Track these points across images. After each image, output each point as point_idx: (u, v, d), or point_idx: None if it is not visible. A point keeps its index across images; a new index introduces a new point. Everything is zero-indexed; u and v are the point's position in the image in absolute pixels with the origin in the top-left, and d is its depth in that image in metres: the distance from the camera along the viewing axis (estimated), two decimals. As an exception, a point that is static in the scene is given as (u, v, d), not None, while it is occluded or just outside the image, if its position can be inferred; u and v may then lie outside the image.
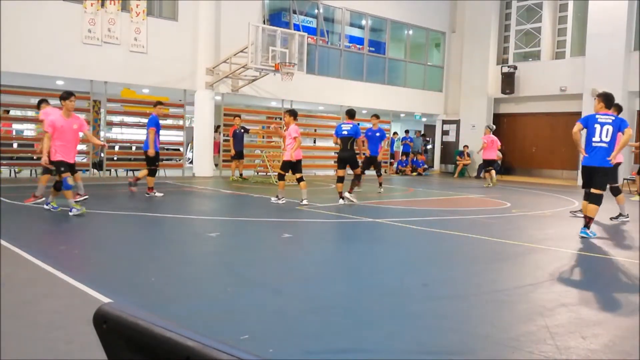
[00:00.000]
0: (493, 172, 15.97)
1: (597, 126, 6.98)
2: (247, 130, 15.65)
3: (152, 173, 10.48)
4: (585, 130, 7.11)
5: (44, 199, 8.30)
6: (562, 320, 3.60)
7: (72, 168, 7.87)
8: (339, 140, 10.16)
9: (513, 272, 5.25)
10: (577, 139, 7.12)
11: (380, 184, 12.62)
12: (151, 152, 10.27)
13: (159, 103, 10.69)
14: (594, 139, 6.95)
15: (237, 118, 14.75)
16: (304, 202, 9.53)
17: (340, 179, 10.16)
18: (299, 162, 9.88)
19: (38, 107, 9.71)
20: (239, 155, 14.79)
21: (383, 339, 3.22)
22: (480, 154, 16.46)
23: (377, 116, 12.49)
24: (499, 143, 16.60)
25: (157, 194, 10.42)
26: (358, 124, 10.67)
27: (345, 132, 9.94)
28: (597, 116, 7.11)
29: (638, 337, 3.37)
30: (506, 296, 4.25)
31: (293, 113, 9.94)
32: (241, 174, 14.97)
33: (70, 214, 7.43)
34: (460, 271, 5.19)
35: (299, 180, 9.89)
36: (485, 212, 9.85)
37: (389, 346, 3.13)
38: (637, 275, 5.10)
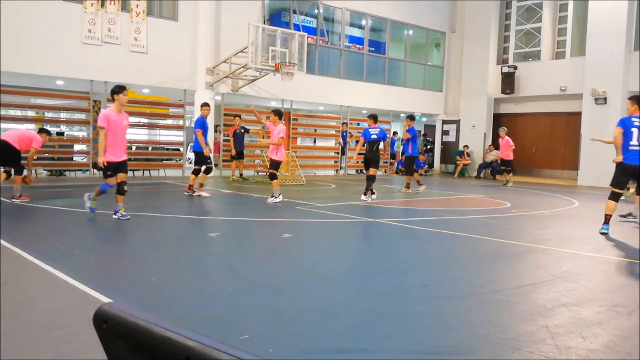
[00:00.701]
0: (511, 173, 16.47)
1: (635, 130, 7.15)
2: (247, 130, 15.64)
3: (207, 171, 10.66)
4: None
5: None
6: (562, 320, 3.60)
7: (121, 167, 7.36)
8: (366, 144, 10.91)
9: (513, 272, 5.25)
10: (618, 143, 7.23)
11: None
12: (206, 151, 10.48)
13: (205, 105, 10.89)
14: (631, 142, 7.13)
15: (237, 118, 14.75)
16: (274, 199, 9.86)
17: (373, 178, 10.76)
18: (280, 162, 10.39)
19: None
20: (240, 155, 14.79)
21: (383, 339, 3.22)
22: (507, 155, 16.44)
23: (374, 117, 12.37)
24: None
25: (204, 194, 10.60)
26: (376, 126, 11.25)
27: (375, 136, 10.79)
28: (632, 119, 7.24)
29: (638, 337, 3.37)
30: (506, 296, 4.25)
31: (278, 113, 10.21)
32: (241, 174, 14.96)
33: (114, 216, 7.34)
34: (460, 271, 5.19)
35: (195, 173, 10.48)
36: (485, 212, 9.84)
37: (389, 346, 3.13)
38: (637, 275, 5.10)
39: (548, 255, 5.93)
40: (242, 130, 14.95)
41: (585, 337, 3.29)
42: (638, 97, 7.42)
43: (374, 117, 11.12)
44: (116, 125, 7.09)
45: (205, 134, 10.60)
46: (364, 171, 11.14)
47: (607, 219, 7.42)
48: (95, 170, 14.62)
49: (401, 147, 21.82)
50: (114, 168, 7.17)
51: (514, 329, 3.44)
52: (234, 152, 14.56)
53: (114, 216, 7.34)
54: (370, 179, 10.63)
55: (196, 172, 10.54)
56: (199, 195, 10.40)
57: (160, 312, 2.97)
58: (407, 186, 12.86)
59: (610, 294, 4.42)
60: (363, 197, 10.52)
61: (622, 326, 3.60)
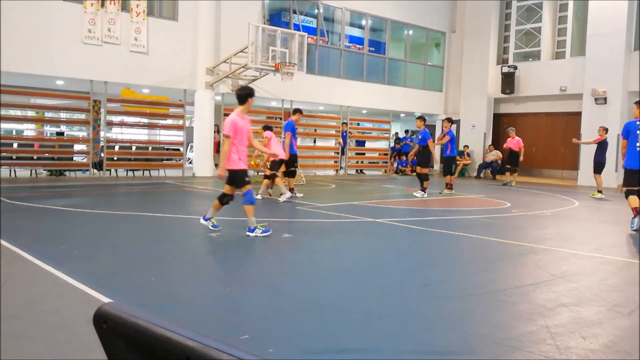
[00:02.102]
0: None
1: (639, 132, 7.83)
2: (217, 130, 15.75)
3: (291, 174, 10.92)
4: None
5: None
6: (562, 320, 3.60)
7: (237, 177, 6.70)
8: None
9: (513, 272, 5.25)
10: (624, 153, 8.04)
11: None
12: (285, 155, 10.39)
13: (298, 111, 11.19)
14: (638, 144, 7.79)
15: None
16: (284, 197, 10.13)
17: (427, 177, 12.05)
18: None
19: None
20: None
21: (383, 339, 3.22)
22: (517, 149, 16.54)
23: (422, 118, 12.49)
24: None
25: (298, 195, 10.90)
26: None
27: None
28: (638, 123, 7.89)
29: (638, 337, 3.37)
30: (506, 296, 4.25)
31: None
32: None
33: (251, 234, 6.41)
34: (460, 271, 5.19)
35: (270, 177, 10.56)
36: (485, 212, 9.84)
37: (389, 346, 3.13)
38: (637, 275, 5.10)
39: (548, 255, 5.93)
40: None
41: (585, 337, 3.29)
42: None
43: (423, 119, 12.19)
44: (243, 132, 6.42)
45: (294, 137, 10.81)
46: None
47: (635, 211, 7.92)
48: (95, 170, 14.64)
49: (401, 147, 21.89)
50: (245, 174, 6.50)
51: (514, 329, 3.44)
52: None
53: (202, 221, 6.68)
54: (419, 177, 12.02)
55: (291, 174, 10.86)
56: (295, 194, 10.77)
57: (160, 312, 2.97)
58: (448, 187, 13.02)
59: (610, 294, 4.42)
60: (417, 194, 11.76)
61: (622, 326, 3.60)
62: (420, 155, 12.24)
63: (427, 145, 12.08)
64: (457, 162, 20.97)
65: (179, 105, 16.19)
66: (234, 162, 6.37)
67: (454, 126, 22.15)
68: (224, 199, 6.62)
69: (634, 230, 7.82)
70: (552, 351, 3.03)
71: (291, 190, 10.76)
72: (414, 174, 20.41)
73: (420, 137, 12.26)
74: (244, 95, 6.43)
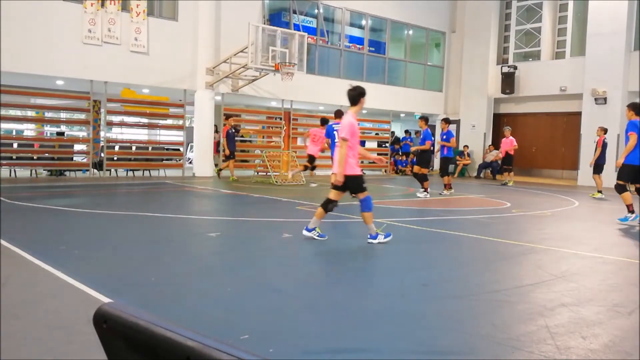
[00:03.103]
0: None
1: None
2: (237, 130, 15.80)
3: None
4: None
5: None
6: (562, 320, 3.60)
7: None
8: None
9: (513, 272, 5.25)
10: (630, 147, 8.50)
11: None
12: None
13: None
14: None
15: (231, 119, 14.78)
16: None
17: (425, 177, 11.98)
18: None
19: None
20: (233, 155, 14.82)
21: (383, 339, 3.22)
22: (510, 151, 16.57)
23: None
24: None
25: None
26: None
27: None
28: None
29: (638, 337, 3.37)
30: (506, 296, 4.25)
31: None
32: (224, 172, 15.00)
33: (374, 241, 6.13)
34: (460, 271, 5.19)
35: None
36: (485, 212, 9.84)
37: (389, 346, 3.13)
38: (637, 275, 5.10)
39: (548, 255, 5.93)
40: (234, 131, 15.06)
41: (585, 337, 3.29)
42: (634, 104, 8.65)
43: (426, 119, 12.17)
44: (357, 135, 6.17)
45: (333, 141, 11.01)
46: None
47: (632, 207, 8.48)
48: (95, 170, 14.64)
49: (401, 147, 21.89)
50: (362, 180, 6.17)
51: (514, 329, 3.44)
52: (227, 152, 14.58)
53: (305, 233, 6.31)
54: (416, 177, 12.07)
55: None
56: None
57: (160, 312, 2.97)
58: (447, 187, 12.84)
59: (610, 294, 4.42)
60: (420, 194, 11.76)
61: (622, 326, 3.60)
62: (420, 156, 12.20)
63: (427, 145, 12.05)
64: (457, 162, 21.01)
65: (179, 105, 16.19)
66: (351, 167, 6.00)
67: (453, 126, 22.26)
68: (328, 206, 6.21)
69: (624, 223, 8.34)
70: (552, 351, 3.03)
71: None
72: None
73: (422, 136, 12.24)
74: (357, 95, 6.09)
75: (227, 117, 14.88)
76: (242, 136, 18.02)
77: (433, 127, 23.75)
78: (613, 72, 17.19)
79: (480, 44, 21.23)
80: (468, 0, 21.63)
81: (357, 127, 6.13)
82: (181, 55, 15.08)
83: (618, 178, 8.67)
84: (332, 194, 6.19)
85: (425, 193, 11.79)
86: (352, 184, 6.09)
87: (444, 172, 13.07)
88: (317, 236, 6.28)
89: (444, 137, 12.38)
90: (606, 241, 7.08)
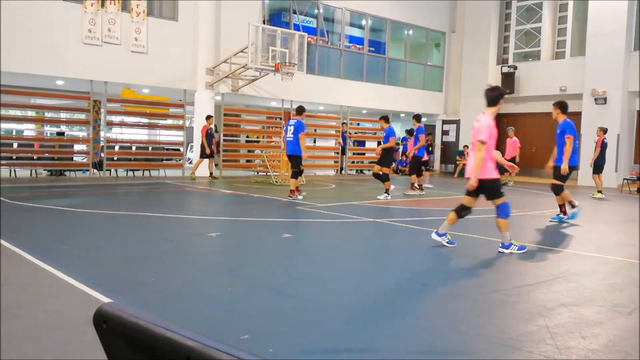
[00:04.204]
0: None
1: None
2: (216, 130, 16.06)
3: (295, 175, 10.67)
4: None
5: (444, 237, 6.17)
6: (562, 320, 3.60)
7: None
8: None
9: (513, 272, 5.25)
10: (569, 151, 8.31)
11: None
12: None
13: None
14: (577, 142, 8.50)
15: (211, 118, 14.80)
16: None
17: (387, 177, 11.29)
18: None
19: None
20: (212, 154, 14.84)
21: (383, 339, 3.22)
22: (513, 154, 16.59)
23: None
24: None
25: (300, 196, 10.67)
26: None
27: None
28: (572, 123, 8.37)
29: (638, 337, 3.37)
30: (506, 296, 4.25)
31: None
32: (211, 173, 14.98)
33: (506, 251, 5.86)
34: (460, 271, 5.19)
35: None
36: (486, 212, 9.83)
37: (389, 346, 3.13)
38: (637, 275, 5.10)
39: (548, 255, 5.93)
40: (214, 131, 15.18)
41: (585, 337, 3.29)
42: (561, 103, 8.42)
43: (417, 117, 12.11)
44: (495, 137, 5.85)
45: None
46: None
47: (562, 208, 8.53)
48: (95, 170, 14.63)
49: (401, 147, 21.89)
50: (500, 184, 5.95)
51: (514, 329, 3.44)
52: (208, 150, 14.57)
53: (435, 237, 6.11)
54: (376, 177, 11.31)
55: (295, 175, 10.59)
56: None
57: (160, 312, 2.97)
58: (413, 187, 12.49)
59: (610, 294, 4.42)
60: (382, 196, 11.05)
61: (622, 326, 3.60)
62: (383, 155, 11.33)
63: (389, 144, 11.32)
64: (457, 162, 21.01)
65: (179, 105, 16.20)
66: (489, 171, 5.72)
67: (455, 125, 22.27)
68: (462, 212, 5.98)
69: (554, 221, 8.50)
70: (552, 351, 3.03)
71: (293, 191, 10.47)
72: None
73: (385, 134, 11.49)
74: (497, 96, 5.86)
75: (208, 117, 14.85)
76: (247, 136, 18.09)
77: (433, 127, 23.82)
78: (613, 72, 17.19)
79: (480, 44, 21.23)
80: (468, 0, 21.63)
81: (495, 129, 5.77)
82: (181, 55, 15.08)
83: (558, 179, 8.38)
84: (466, 200, 5.94)
85: (386, 194, 11.01)
86: (489, 189, 5.79)
87: (412, 170, 12.63)
88: (447, 242, 6.06)
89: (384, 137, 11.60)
90: (606, 241, 7.08)
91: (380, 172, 11.12)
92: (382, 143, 11.77)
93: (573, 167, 8.46)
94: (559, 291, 4.37)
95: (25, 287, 4.09)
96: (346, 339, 3.21)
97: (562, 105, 8.34)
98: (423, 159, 12.60)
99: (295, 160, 10.47)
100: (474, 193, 5.85)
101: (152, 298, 3.93)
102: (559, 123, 8.28)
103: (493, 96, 5.86)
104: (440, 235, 6.08)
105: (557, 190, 8.45)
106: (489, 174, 5.73)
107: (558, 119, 8.28)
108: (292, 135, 10.40)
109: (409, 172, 12.80)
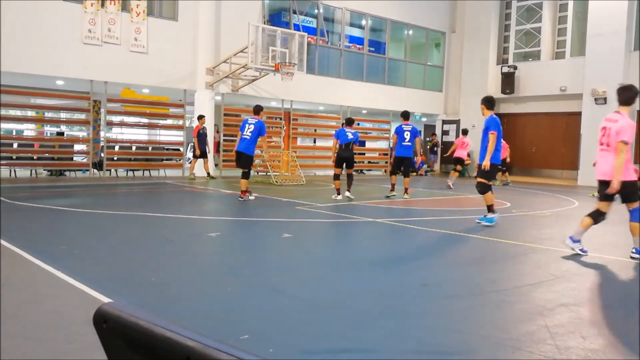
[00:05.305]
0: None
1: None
2: (217, 130, 16.27)
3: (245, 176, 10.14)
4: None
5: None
6: (562, 320, 3.60)
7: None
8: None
9: (513, 272, 5.25)
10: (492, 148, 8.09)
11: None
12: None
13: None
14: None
15: (203, 118, 14.66)
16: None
17: (337, 177, 10.66)
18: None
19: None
20: (204, 155, 14.65)
21: (383, 339, 3.22)
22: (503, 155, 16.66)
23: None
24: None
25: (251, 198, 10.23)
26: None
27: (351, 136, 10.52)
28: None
29: (638, 337, 3.37)
30: (506, 296, 4.25)
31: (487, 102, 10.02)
32: (208, 173, 14.95)
33: (637, 256, 5.75)
34: (460, 271, 5.19)
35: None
36: (485, 212, 9.82)
37: (389, 346, 3.13)
38: (637, 275, 5.10)
39: (548, 255, 5.93)
40: (215, 131, 15.15)
41: (585, 337, 3.29)
42: (487, 99, 8.26)
43: (405, 115, 11.57)
44: (634, 136, 5.65)
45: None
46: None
47: (491, 208, 8.00)
48: (95, 170, 14.63)
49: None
50: (637, 187, 5.65)
51: (514, 329, 3.44)
52: (198, 151, 14.46)
53: (568, 242, 5.91)
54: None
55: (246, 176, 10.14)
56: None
57: (160, 312, 2.97)
58: (393, 189, 11.96)
59: (610, 294, 4.42)
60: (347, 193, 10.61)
61: (622, 326, 3.60)
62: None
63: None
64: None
65: (179, 105, 16.19)
66: (628, 172, 5.53)
67: (455, 125, 22.24)
68: (598, 218, 5.77)
69: (482, 223, 7.90)
70: (552, 351, 3.03)
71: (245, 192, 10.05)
72: (414, 174, 20.50)
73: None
74: (634, 95, 5.68)
75: (199, 117, 14.75)
76: None
77: (433, 127, 23.82)
78: (613, 72, 17.18)
79: (480, 44, 21.23)
80: (468, 0, 21.63)
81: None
82: (181, 55, 15.08)
83: (483, 177, 7.94)
84: (603, 205, 5.75)
85: (337, 195, 10.61)
86: (626, 191, 5.57)
87: (392, 172, 12.10)
88: (580, 250, 5.85)
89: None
90: (606, 241, 7.08)
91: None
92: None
93: (496, 165, 7.95)
94: (559, 291, 4.37)
95: (25, 287, 4.09)
96: (346, 339, 3.21)
97: (487, 101, 8.08)
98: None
99: (247, 160, 9.95)
100: (610, 197, 5.67)
101: (152, 298, 3.93)
102: (485, 119, 7.98)
103: (630, 96, 5.68)
104: (574, 241, 5.87)
105: (483, 189, 7.92)
106: (629, 176, 5.55)
107: (485, 115, 8.03)
108: (249, 134, 9.83)
109: (390, 172, 12.22)
